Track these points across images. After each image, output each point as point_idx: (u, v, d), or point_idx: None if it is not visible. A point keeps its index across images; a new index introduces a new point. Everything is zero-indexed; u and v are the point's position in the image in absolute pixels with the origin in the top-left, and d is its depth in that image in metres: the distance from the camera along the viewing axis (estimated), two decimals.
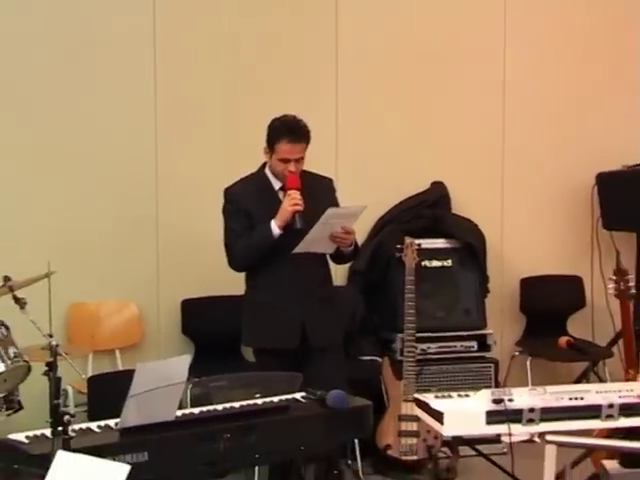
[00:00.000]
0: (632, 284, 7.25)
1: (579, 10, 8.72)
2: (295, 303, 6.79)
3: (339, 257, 7.00)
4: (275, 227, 6.70)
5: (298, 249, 6.63)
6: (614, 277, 7.21)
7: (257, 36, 8.09)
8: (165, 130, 7.95)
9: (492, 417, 6.03)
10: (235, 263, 6.89)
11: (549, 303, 8.74)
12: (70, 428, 5.28)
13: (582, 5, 8.73)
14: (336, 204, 6.96)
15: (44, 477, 4.27)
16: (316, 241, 6.66)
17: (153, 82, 7.93)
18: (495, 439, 6.23)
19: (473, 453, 6.96)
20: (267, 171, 6.89)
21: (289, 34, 8.15)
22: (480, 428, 6.10)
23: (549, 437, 5.70)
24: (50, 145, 7.76)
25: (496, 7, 8.57)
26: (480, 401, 6.14)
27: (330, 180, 7.08)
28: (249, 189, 6.90)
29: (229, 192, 6.92)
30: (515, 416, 6.02)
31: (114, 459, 4.89)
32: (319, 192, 6.91)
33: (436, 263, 8.22)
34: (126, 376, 5.53)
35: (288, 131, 6.76)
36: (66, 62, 7.76)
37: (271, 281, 6.86)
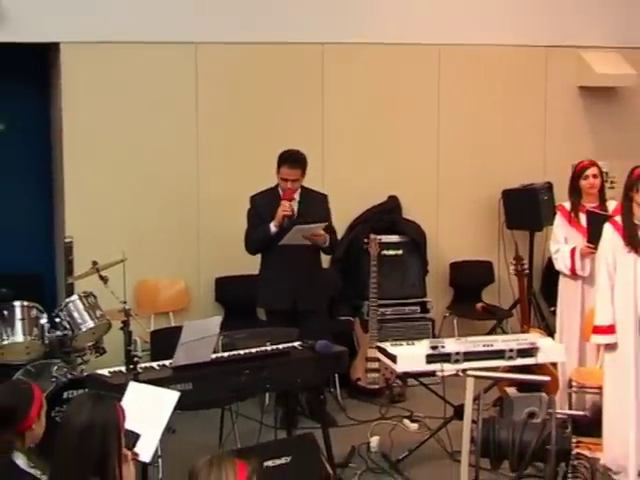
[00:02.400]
0: (526, 266, 7.30)
1: (498, 66, 8.70)
2: (289, 278, 6.85)
3: (322, 249, 7.08)
4: (272, 227, 6.82)
5: (281, 243, 6.76)
6: (514, 262, 7.24)
7: (269, 94, 8.09)
8: (205, 157, 7.92)
9: (430, 358, 6.07)
10: (248, 249, 7.03)
11: (469, 279, 8.71)
12: (138, 366, 5.33)
13: (499, 65, 8.71)
14: (327, 212, 7.05)
15: (121, 399, 4.29)
16: (292, 240, 6.74)
17: (195, 126, 7.93)
18: (432, 374, 6.29)
19: (417, 383, 7.01)
20: (279, 186, 6.95)
21: (291, 95, 8.15)
22: (422, 366, 6.14)
23: (469, 372, 5.72)
24: (123, 169, 7.75)
25: (432, 68, 8.56)
26: (422, 347, 6.17)
27: (325, 195, 7.14)
28: (265, 198, 7.00)
29: (252, 199, 7.03)
30: (446, 358, 6.06)
31: (168, 387, 4.90)
32: (315, 203, 7.02)
33: (391, 252, 8.19)
34: (177, 330, 5.58)
35: (287, 159, 6.85)
36: (136, 114, 7.78)
37: (274, 262, 6.95)
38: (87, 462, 3.40)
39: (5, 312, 6.43)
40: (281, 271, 6.89)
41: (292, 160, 6.85)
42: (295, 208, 6.91)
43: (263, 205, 6.93)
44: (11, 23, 7.38)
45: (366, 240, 7.79)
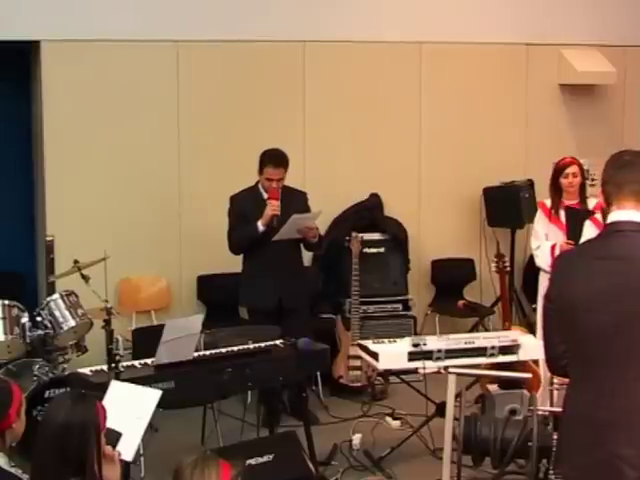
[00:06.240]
0: (507, 264, 7.30)
1: (479, 64, 8.72)
2: (274, 277, 6.84)
3: (308, 246, 7.08)
4: (260, 226, 6.78)
5: (275, 238, 6.72)
6: (495, 259, 7.25)
7: (250, 92, 8.09)
8: (186, 155, 7.92)
9: (412, 356, 6.09)
10: (232, 249, 6.98)
11: (451, 277, 8.72)
12: (120, 365, 5.32)
13: (480, 62, 8.73)
14: (307, 209, 7.03)
15: (102, 398, 4.28)
16: (287, 234, 6.73)
17: (176, 124, 7.93)
18: (414, 371, 6.28)
19: (398, 381, 7.02)
20: (259, 185, 6.94)
21: (273, 93, 8.16)
22: (404, 363, 6.15)
23: (451, 369, 5.73)
24: (104, 168, 7.73)
25: (413, 66, 8.58)
26: (403, 345, 6.19)
27: (304, 193, 7.14)
28: (246, 197, 6.96)
29: (233, 198, 6.99)
30: (428, 355, 6.08)
31: (150, 386, 4.90)
32: (296, 202, 6.99)
33: (373, 250, 8.20)
34: (159, 329, 5.57)
35: (272, 159, 6.84)
36: (118, 113, 7.77)
37: (258, 261, 6.93)
38: (65, 461, 3.40)
39: None
40: (265, 270, 6.87)
41: (276, 160, 6.84)
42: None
43: (246, 205, 6.91)
44: None
45: (348, 238, 7.81)
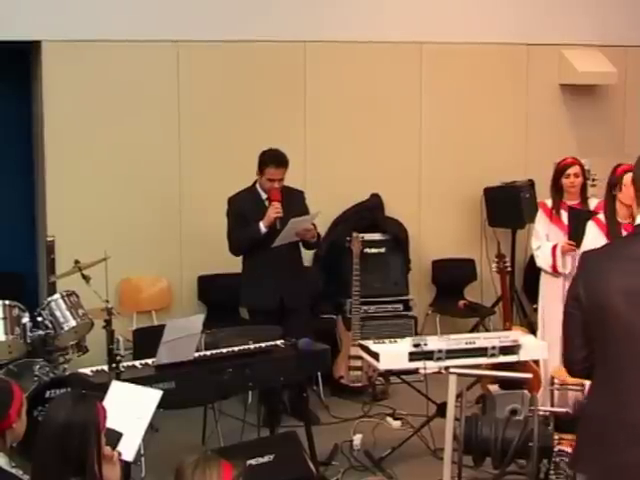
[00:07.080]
0: (508, 264, 7.30)
1: (480, 64, 8.72)
2: (275, 277, 6.84)
3: (307, 245, 7.08)
4: (262, 227, 6.77)
5: (275, 244, 6.71)
6: (496, 259, 7.25)
7: (250, 92, 8.10)
8: (187, 155, 7.92)
9: (413, 356, 6.08)
10: (232, 250, 6.98)
11: (452, 277, 8.72)
12: (120, 365, 5.32)
13: (481, 62, 8.73)
14: (305, 208, 7.04)
15: (103, 398, 4.27)
16: (286, 238, 6.74)
17: (177, 124, 7.92)
18: (415, 371, 6.27)
19: (399, 381, 7.01)
20: (257, 186, 6.94)
21: (273, 93, 8.15)
22: (404, 364, 6.14)
23: (452, 369, 5.72)
24: (105, 168, 7.73)
25: (414, 66, 8.57)
26: (404, 345, 6.18)
27: (302, 192, 7.14)
28: (245, 198, 6.95)
29: (231, 200, 6.98)
30: (428, 355, 6.07)
31: (151, 386, 4.89)
32: (295, 201, 7.00)
33: (374, 250, 8.19)
34: (159, 329, 5.57)
35: (273, 160, 6.83)
36: (118, 113, 7.76)
37: (258, 261, 6.92)
38: (66, 461, 3.40)
39: None
40: (266, 270, 6.87)
41: (278, 160, 6.84)
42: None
43: (245, 205, 6.91)
44: None
45: (348, 238, 7.80)
